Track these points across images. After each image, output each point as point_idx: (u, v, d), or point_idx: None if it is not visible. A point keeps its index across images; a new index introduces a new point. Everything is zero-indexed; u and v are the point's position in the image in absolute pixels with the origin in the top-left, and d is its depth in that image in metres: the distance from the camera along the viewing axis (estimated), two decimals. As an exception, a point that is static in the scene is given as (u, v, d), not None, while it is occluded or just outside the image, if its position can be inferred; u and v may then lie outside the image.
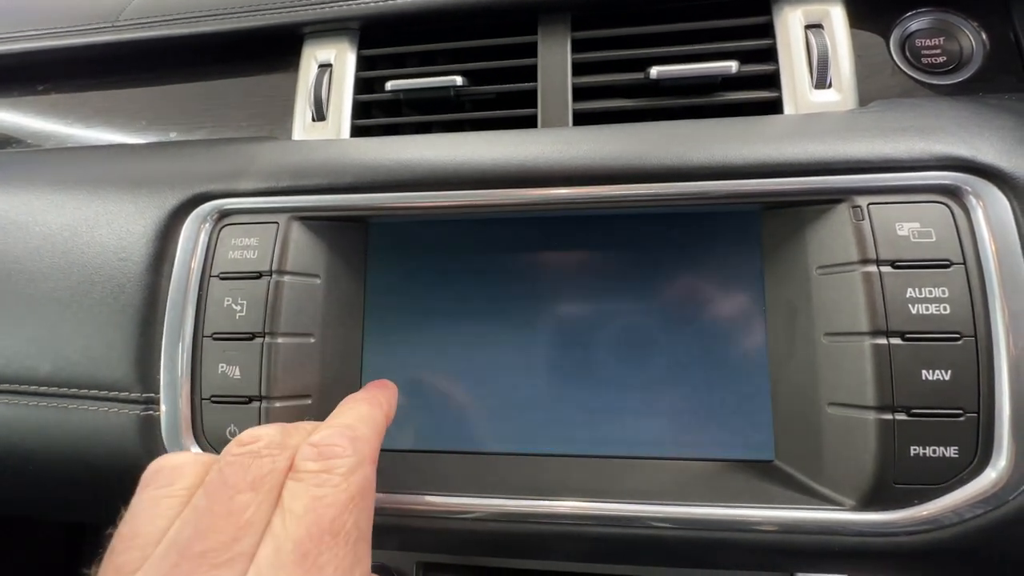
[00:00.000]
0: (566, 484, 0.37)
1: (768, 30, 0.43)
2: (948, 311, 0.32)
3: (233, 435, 0.37)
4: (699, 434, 0.38)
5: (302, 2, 0.48)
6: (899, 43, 0.43)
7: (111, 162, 0.46)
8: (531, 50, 0.45)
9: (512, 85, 0.45)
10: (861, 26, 0.43)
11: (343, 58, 0.47)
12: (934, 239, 0.33)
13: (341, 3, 0.47)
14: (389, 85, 0.45)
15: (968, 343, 0.32)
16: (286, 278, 0.38)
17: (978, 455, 0.31)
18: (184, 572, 0.23)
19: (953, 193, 0.34)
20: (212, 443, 0.38)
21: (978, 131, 0.34)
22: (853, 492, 0.33)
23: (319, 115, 0.46)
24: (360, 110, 0.47)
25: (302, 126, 0.47)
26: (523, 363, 0.40)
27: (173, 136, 0.51)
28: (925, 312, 0.32)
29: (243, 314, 0.38)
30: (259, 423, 0.37)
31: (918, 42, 0.43)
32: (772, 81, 0.42)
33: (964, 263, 0.32)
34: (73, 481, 0.41)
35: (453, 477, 0.38)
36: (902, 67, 0.43)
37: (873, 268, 0.33)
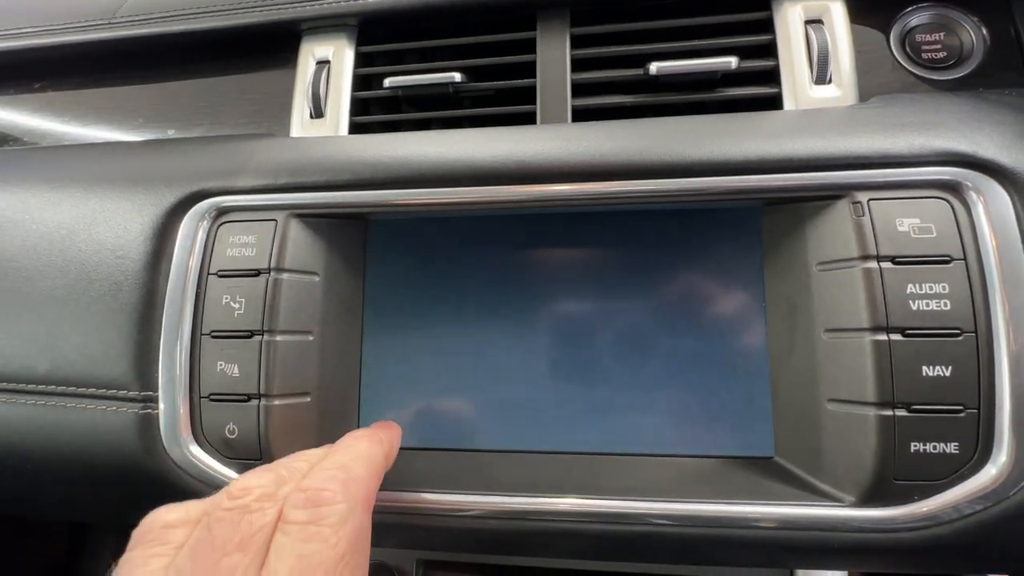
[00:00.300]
0: (566, 481, 0.37)
1: (768, 26, 0.43)
2: (948, 307, 0.32)
3: (232, 434, 0.37)
4: (699, 431, 0.38)
5: (300, -2, 0.48)
6: (899, 38, 0.43)
7: (108, 160, 0.46)
8: (530, 46, 0.45)
9: (511, 81, 0.45)
10: (861, 21, 0.43)
11: (341, 55, 0.47)
12: (934, 235, 0.33)
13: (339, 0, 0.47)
14: (387, 82, 0.45)
15: (968, 339, 0.32)
16: (284, 276, 0.38)
17: (978, 451, 0.31)
18: None
19: (953, 188, 0.33)
20: (211, 441, 0.38)
21: (978, 126, 0.34)
22: (853, 488, 0.33)
23: (317, 112, 0.46)
24: (358, 107, 0.46)
25: (300, 123, 0.46)
26: (522, 360, 0.40)
27: (171, 133, 0.51)
28: (925, 308, 0.32)
29: (241, 312, 0.38)
30: (258, 421, 0.37)
31: (918, 37, 0.43)
32: (772, 77, 0.42)
33: (964, 259, 0.32)
34: (72, 480, 0.41)
35: (453, 474, 0.38)
36: (902, 63, 0.43)
37: (873, 264, 0.33)
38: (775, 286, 0.38)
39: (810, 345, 0.35)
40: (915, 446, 0.31)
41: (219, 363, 0.38)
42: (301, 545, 0.24)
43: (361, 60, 0.47)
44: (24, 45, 0.53)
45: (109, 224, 0.42)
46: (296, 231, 0.39)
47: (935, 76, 0.42)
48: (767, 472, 0.36)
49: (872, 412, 0.32)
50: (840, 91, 0.40)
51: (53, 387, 0.40)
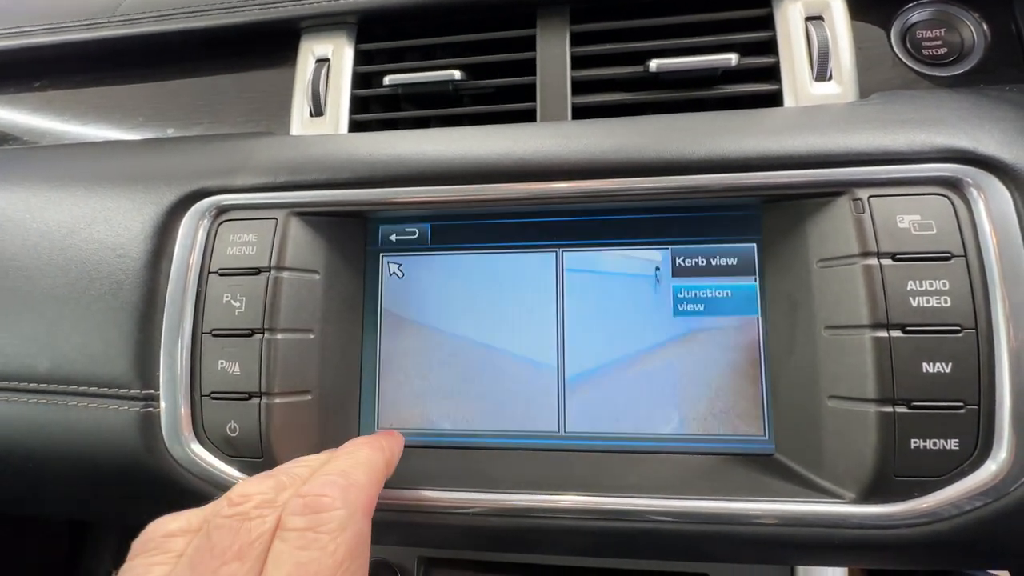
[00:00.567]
0: (567, 479, 0.37)
1: (768, 22, 0.42)
2: (949, 303, 0.32)
3: (233, 432, 0.37)
4: (699, 428, 0.38)
5: (299, -4, 0.48)
6: (900, 35, 0.43)
7: (108, 158, 0.46)
8: (530, 44, 0.45)
9: (511, 79, 0.45)
10: (862, 18, 0.43)
11: (340, 53, 0.47)
12: (935, 231, 0.33)
13: (338, -3, 0.47)
14: (387, 80, 0.45)
15: (969, 335, 0.32)
16: (285, 274, 0.38)
17: (978, 447, 0.31)
18: None
19: (954, 185, 0.33)
20: (212, 439, 0.38)
21: (979, 123, 0.34)
22: (853, 485, 0.33)
23: (317, 110, 0.46)
24: (358, 105, 0.46)
25: (300, 121, 0.46)
26: (522, 358, 0.40)
27: (170, 132, 0.51)
28: (926, 304, 0.32)
29: (242, 310, 0.38)
30: (259, 419, 0.37)
31: (919, 34, 0.43)
32: (772, 73, 0.42)
33: (965, 255, 0.32)
34: (73, 479, 0.41)
35: (454, 472, 0.38)
36: (903, 59, 0.42)
37: (874, 261, 0.33)
38: (775, 283, 0.38)
39: (811, 342, 0.35)
40: (915, 443, 0.32)
41: (220, 361, 0.38)
42: (299, 552, 0.24)
43: (361, 58, 0.47)
44: (23, 44, 0.53)
45: (109, 223, 0.42)
46: (296, 229, 0.39)
47: (936, 72, 0.42)
48: (767, 469, 0.37)
49: (872, 409, 0.32)
50: (840, 88, 0.40)
51: (54, 386, 0.40)
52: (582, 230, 0.41)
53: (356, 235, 0.42)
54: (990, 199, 0.33)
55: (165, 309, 0.39)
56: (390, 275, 0.42)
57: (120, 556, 0.26)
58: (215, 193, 0.40)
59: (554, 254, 0.41)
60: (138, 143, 0.48)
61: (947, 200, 0.33)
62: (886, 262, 0.33)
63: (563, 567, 0.49)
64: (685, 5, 0.43)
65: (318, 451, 0.35)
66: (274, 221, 0.39)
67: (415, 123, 0.46)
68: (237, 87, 0.51)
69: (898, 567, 0.39)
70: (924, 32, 0.43)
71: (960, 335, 0.32)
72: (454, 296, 0.42)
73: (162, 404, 0.38)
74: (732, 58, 0.41)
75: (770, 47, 0.42)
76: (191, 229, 0.40)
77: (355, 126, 0.46)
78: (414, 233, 0.43)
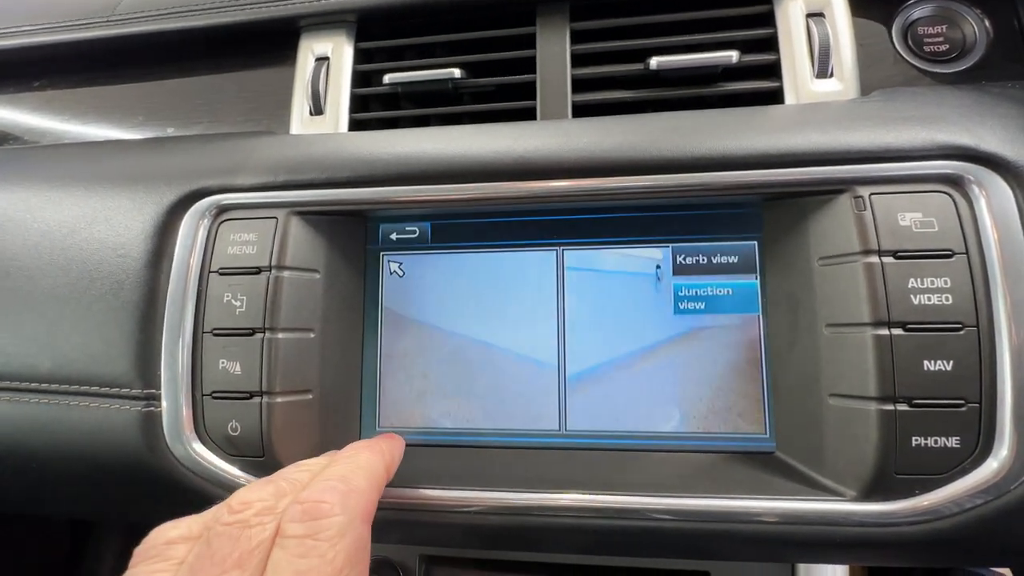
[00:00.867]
0: (568, 477, 0.37)
1: (769, 19, 0.42)
2: (950, 301, 0.32)
3: (235, 431, 0.37)
4: (700, 426, 0.38)
5: (298, -5, 0.48)
6: (901, 31, 0.43)
7: (108, 158, 0.46)
8: (530, 41, 0.45)
9: (511, 77, 0.44)
10: (863, 14, 0.43)
11: (340, 51, 0.47)
12: (936, 229, 0.33)
13: (337, -5, 0.47)
14: (387, 78, 0.45)
15: (970, 333, 0.31)
16: (285, 273, 0.38)
17: (979, 445, 0.31)
18: None
19: (955, 182, 0.33)
20: (214, 439, 0.38)
21: (981, 120, 0.34)
22: (854, 483, 0.33)
23: (316, 109, 0.46)
24: (358, 104, 0.46)
25: (300, 120, 0.46)
26: (523, 356, 0.40)
27: (170, 131, 0.51)
28: (927, 302, 0.32)
29: (243, 310, 0.38)
30: (260, 418, 0.37)
31: (920, 30, 0.42)
32: (773, 71, 0.42)
33: (966, 253, 0.32)
34: (75, 478, 0.41)
35: (455, 471, 0.38)
36: (904, 56, 0.42)
37: (875, 258, 0.33)
38: (776, 281, 0.38)
39: (812, 340, 0.35)
40: (916, 440, 0.31)
41: (221, 361, 0.38)
42: (297, 560, 0.24)
43: (360, 57, 0.47)
44: (23, 43, 0.53)
45: (110, 222, 0.42)
46: (296, 229, 0.39)
47: (937, 69, 0.42)
48: (768, 467, 0.37)
49: (873, 407, 0.32)
50: (842, 85, 0.40)
51: (56, 386, 0.40)
52: (583, 228, 0.41)
53: (356, 234, 0.42)
54: (992, 196, 0.33)
55: (166, 309, 0.39)
56: (391, 274, 0.42)
57: (121, 557, 0.26)
58: (215, 192, 0.40)
59: (555, 252, 0.41)
60: (138, 143, 0.48)
61: (948, 197, 0.33)
62: (887, 260, 0.33)
63: (565, 565, 0.49)
64: (685, 2, 0.43)
65: (319, 450, 0.35)
66: (274, 220, 0.39)
67: (415, 122, 0.46)
68: (237, 86, 0.51)
69: (899, 565, 0.39)
70: (926, 29, 0.42)
71: (961, 333, 0.32)
72: (455, 295, 0.42)
73: (163, 403, 0.38)
74: (733, 55, 0.41)
75: (771, 44, 0.42)
76: (191, 229, 0.40)
77: (355, 125, 0.46)
78: (414, 232, 0.43)
